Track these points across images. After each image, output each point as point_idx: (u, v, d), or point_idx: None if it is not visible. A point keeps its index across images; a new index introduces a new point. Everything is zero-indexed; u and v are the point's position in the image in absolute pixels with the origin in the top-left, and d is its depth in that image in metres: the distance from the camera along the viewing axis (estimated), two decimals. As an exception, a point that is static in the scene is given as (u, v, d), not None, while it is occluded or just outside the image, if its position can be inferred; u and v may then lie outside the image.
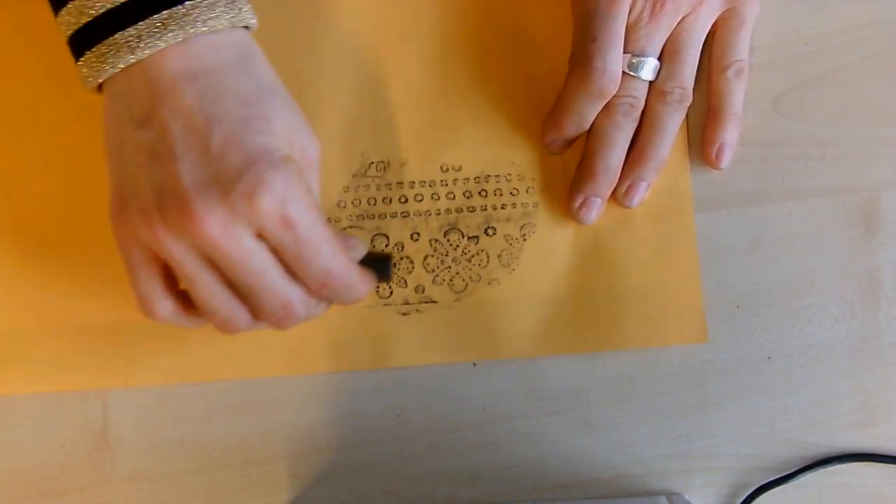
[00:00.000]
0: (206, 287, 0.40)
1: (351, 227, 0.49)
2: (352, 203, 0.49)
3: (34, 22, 0.49)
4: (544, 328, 0.49)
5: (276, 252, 0.39)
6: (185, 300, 0.41)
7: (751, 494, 0.48)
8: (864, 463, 0.48)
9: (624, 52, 0.46)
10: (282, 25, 0.49)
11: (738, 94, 0.49)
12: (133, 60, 0.38)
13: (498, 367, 0.49)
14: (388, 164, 0.49)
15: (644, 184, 0.48)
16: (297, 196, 0.38)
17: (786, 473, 0.48)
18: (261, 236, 0.39)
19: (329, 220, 0.49)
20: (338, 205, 0.49)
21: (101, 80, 0.40)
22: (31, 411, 0.48)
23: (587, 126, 0.48)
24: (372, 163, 0.49)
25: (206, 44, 0.39)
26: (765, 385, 0.49)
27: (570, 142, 0.49)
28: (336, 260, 0.40)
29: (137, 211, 0.38)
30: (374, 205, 0.49)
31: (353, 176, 0.49)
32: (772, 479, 0.48)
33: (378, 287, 0.49)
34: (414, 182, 0.49)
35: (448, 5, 0.50)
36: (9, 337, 0.48)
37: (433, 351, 0.49)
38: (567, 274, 0.49)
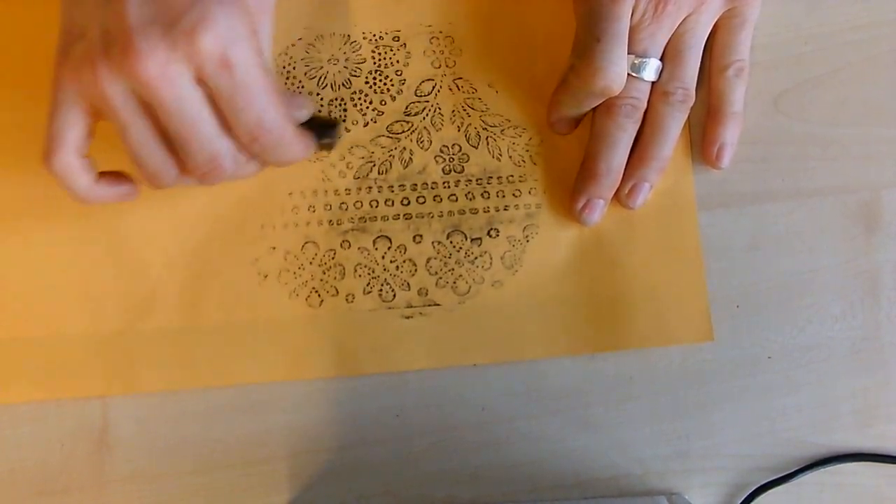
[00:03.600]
0: (139, 133, 0.39)
1: (353, 229, 0.49)
2: (354, 205, 0.49)
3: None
4: (549, 330, 0.48)
5: (213, 99, 0.39)
6: (91, 168, 0.41)
7: (751, 494, 0.48)
8: (864, 463, 0.48)
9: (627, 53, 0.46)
10: None
11: (738, 94, 0.49)
12: None
13: (498, 367, 0.49)
14: (391, 165, 0.49)
15: (647, 185, 0.48)
16: (241, 37, 0.37)
17: (786, 473, 0.48)
18: (200, 82, 0.38)
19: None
20: (340, 207, 0.49)
21: None
22: (31, 411, 0.48)
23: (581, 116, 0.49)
24: (374, 164, 0.49)
25: None
26: (765, 385, 0.49)
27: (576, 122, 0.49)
28: (270, 112, 0.39)
29: (82, 53, 0.38)
30: (377, 207, 0.49)
31: (356, 178, 0.49)
32: (772, 479, 0.48)
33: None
34: (416, 184, 0.49)
35: (447, 7, 0.50)
36: (10, 345, 0.48)
37: (437, 355, 0.48)
38: (571, 275, 0.49)
